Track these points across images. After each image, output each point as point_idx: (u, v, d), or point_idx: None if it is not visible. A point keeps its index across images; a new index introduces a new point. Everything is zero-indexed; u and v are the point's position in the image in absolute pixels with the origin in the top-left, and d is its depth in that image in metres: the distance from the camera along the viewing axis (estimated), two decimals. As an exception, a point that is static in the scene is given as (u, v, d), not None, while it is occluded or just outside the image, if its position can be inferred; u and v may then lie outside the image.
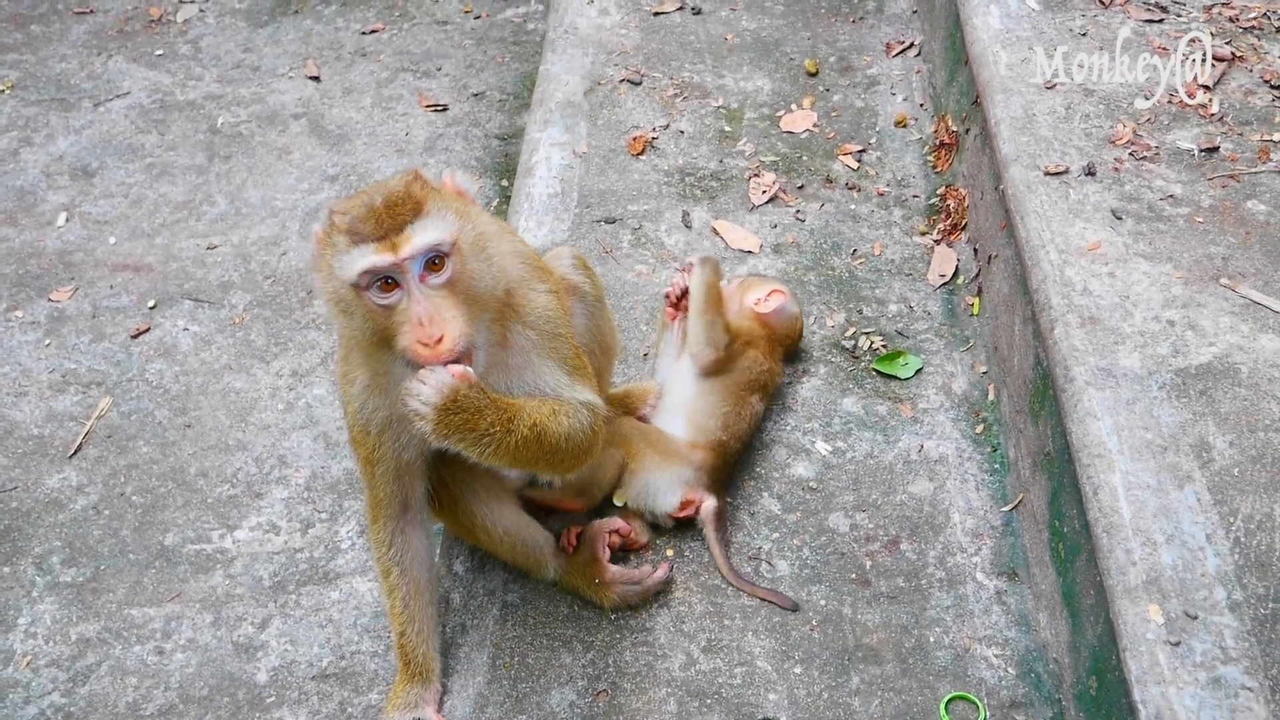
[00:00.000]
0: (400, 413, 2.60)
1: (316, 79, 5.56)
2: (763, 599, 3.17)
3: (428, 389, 2.47)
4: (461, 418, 2.51)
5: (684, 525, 3.34)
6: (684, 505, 3.28)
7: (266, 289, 4.51)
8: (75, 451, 3.96)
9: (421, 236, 2.41)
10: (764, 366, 3.51)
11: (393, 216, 2.42)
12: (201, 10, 6.04)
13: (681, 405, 3.47)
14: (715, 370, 3.48)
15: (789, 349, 3.71)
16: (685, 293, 3.55)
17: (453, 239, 2.44)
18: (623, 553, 3.29)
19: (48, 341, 4.34)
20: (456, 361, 2.48)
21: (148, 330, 4.36)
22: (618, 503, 3.33)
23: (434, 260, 2.44)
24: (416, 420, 2.50)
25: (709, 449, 3.36)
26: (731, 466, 3.43)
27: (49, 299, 4.50)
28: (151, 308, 4.45)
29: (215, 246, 4.70)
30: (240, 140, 5.24)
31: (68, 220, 4.87)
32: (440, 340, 2.44)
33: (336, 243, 2.47)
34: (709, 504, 3.28)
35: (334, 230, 2.48)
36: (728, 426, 3.40)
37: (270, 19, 5.97)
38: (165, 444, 3.97)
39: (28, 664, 3.38)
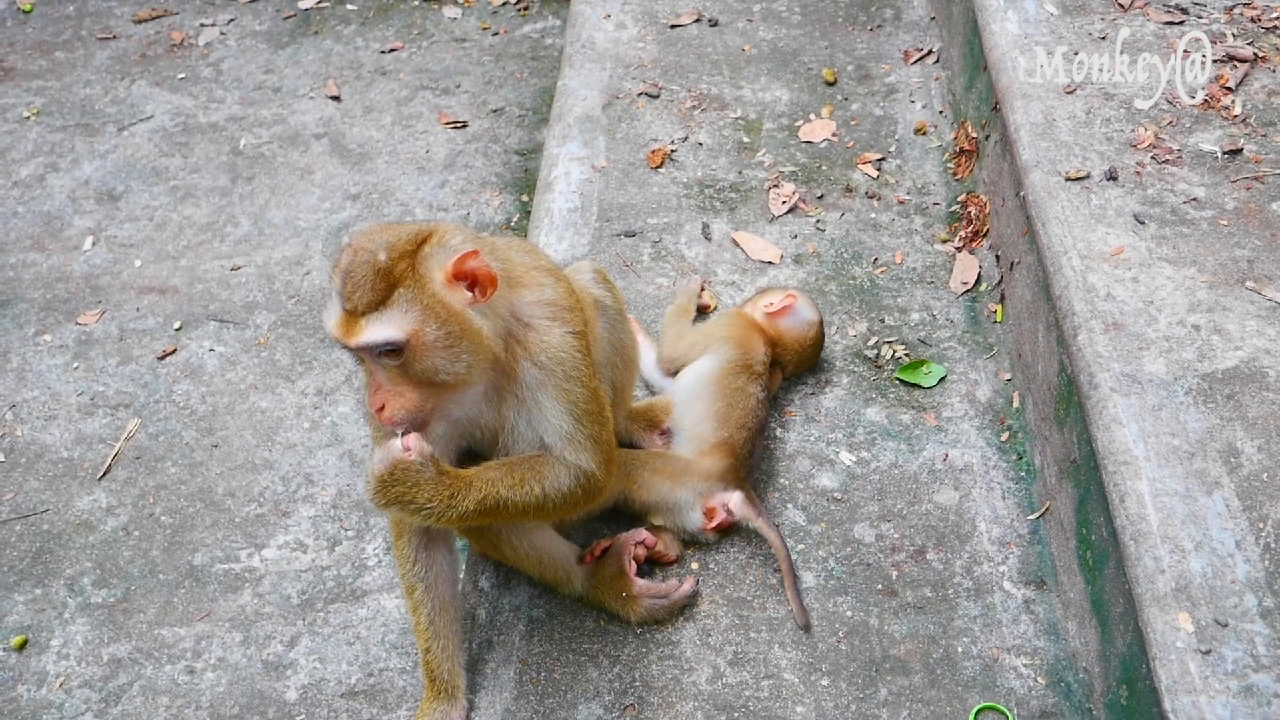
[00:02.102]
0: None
1: (337, 99, 5.60)
2: (791, 598, 3.16)
3: (376, 458, 2.57)
4: (399, 490, 2.59)
5: (719, 535, 3.34)
6: (709, 515, 3.27)
7: (290, 308, 4.53)
8: (104, 473, 3.99)
9: (372, 333, 2.43)
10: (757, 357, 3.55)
11: (361, 295, 2.44)
12: (223, 33, 6.10)
13: (680, 420, 3.49)
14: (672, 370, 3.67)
15: (802, 357, 3.70)
16: None
17: (405, 338, 2.43)
18: (647, 564, 3.28)
19: (76, 365, 4.38)
20: (409, 430, 2.55)
21: (174, 352, 4.40)
22: (655, 521, 3.33)
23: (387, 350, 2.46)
24: (364, 486, 2.62)
25: (715, 451, 3.35)
26: (747, 457, 3.38)
27: (76, 322, 4.55)
28: (177, 329, 4.49)
29: (239, 267, 4.74)
30: (262, 161, 5.28)
31: (94, 244, 4.91)
32: (382, 409, 2.50)
33: (333, 281, 2.52)
34: (735, 499, 3.26)
35: (335, 268, 2.52)
36: (725, 422, 3.39)
37: (290, 40, 6.02)
38: (193, 464, 4.00)
39: (61, 685, 3.41)
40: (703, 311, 3.96)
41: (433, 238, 2.52)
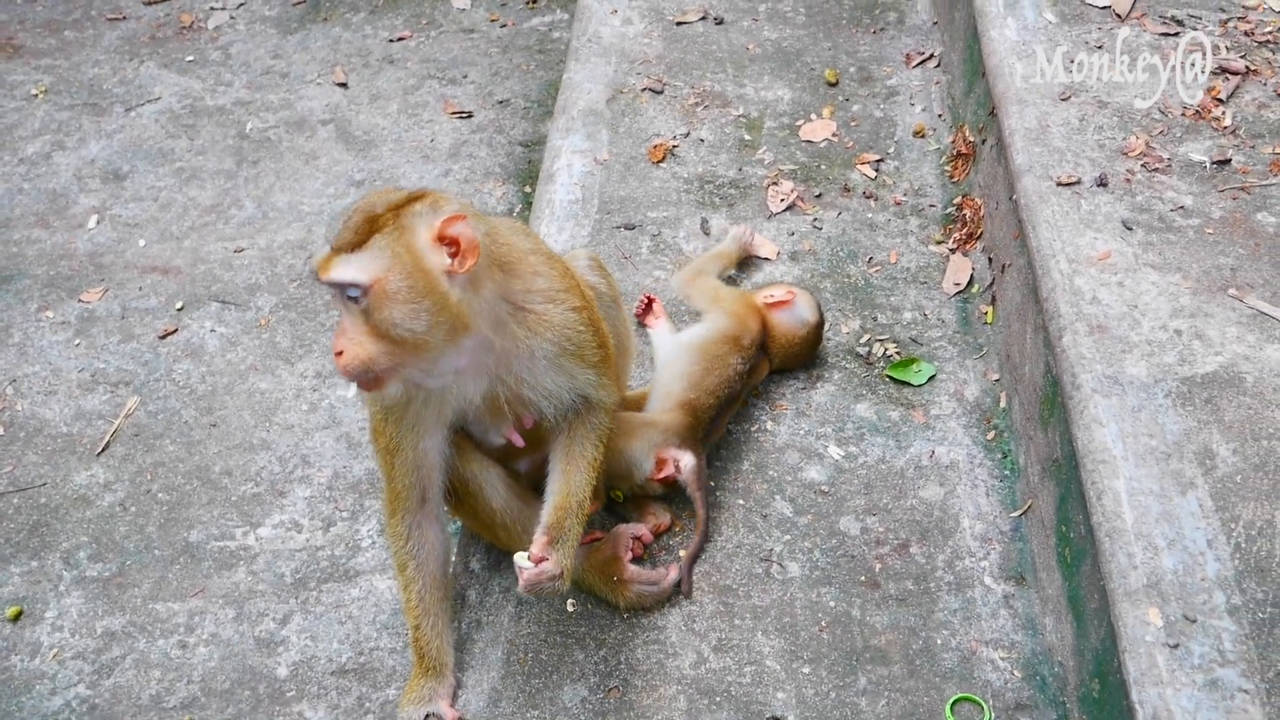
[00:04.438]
0: (424, 396, 2.77)
1: (344, 86, 5.65)
2: (682, 575, 3.24)
3: (549, 586, 2.83)
4: (574, 561, 2.92)
5: (664, 487, 3.41)
6: (659, 465, 3.33)
7: (292, 291, 4.59)
8: (103, 449, 4.04)
9: (340, 270, 2.48)
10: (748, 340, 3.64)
11: (345, 235, 2.51)
12: (232, 17, 6.15)
13: (658, 381, 3.58)
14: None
15: (789, 354, 3.76)
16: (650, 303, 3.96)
17: (368, 283, 2.46)
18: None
19: (77, 341, 4.43)
20: (371, 382, 2.60)
21: (175, 331, 4.45)
22: (617, 498, 3.43)
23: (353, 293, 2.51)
24: (556, 594, 2.93)
25: (678, 409, 3.42)
26: (708, 422, 3.46)
27: (79, 300, 4.60)
28: (179, 309, 4.54)
29: (242, 250, 4.79)
30: (268, 145, 5.33)
31: (98, 223, 4.97)
32: (340, 355, 2.54)
33: (332, 226, 2.60)
34: (687, 461, 3.33)
35: (339, 216, 2.60)
36: (697, 386, 3.46)
37: (300, 26, 6.07)
38: (191, 443, 4.05)
39: (54, 656, 3.46)
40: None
41: (427, 198, 2.57)
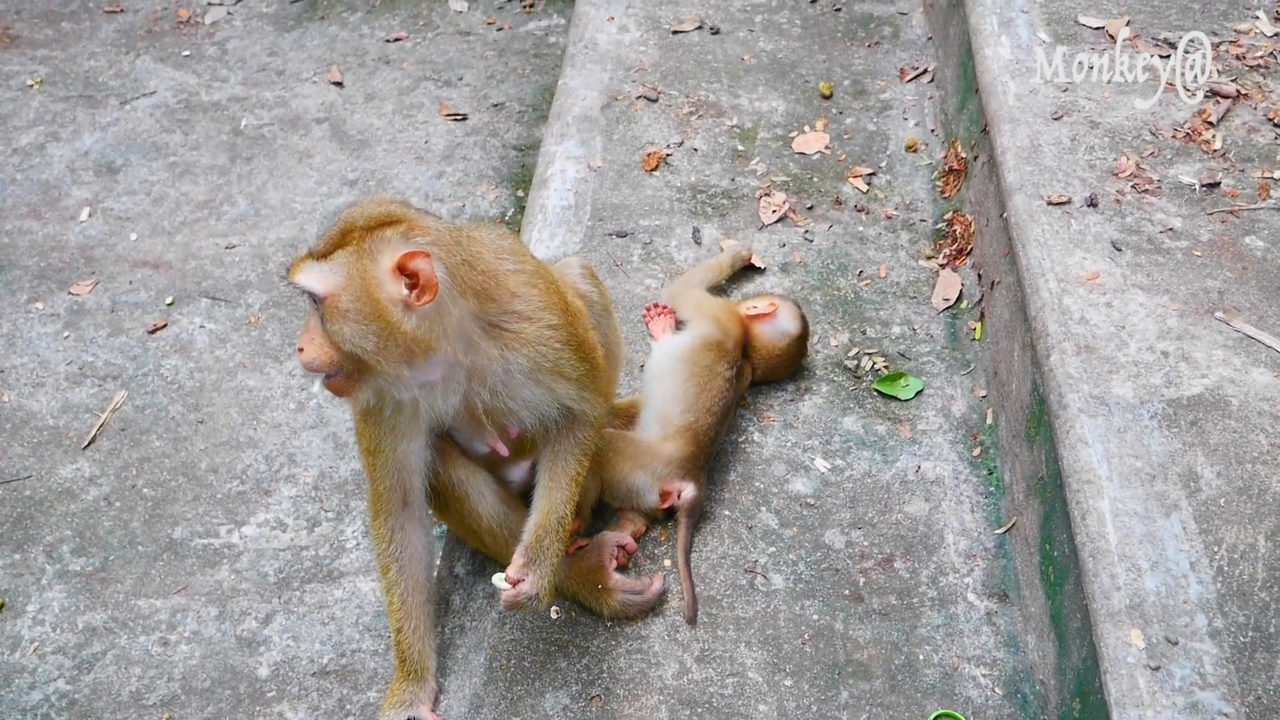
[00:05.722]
0: (397, 402, 2.77)
1: (340, 85, 5.65)
2: (687, 595, 3.23)
3: (527, 605, 2.89)
4: (553, 578, 2.94)
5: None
6: (664, 497, 3.36)
7: (282, 290, 4.59)
8: (89, 443, 4.04)
9: (303, 276, 2.57)
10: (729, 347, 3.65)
11: (320, 244, 2.60)
12: (229, 13, 6.14)
13: (650, 397, 3.57)
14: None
15: (770, 365, 3.76)
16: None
17: (323, 295, 2.54)
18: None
19: (66, 334, 4.42)
20: (337, 385, 2.67)
21: (165, 326, 4.45)
22: (611, 501, 3.45)
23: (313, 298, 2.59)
24: (538, 608, 2.96)
25: (679, 436, 3.43)
26: (709, 444, 3.48)
27: (69, 292, 4.59)
28: (169, 304, 4.54)
29: (234, 246, 4.79)
30: (262, 142, 5.33)
31: (90, 215, 4.96)
32: (301, 351, 2.62)
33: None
34: (688, 492, 3.36)
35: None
36: (693, 406, 3.47)
37: (296, 24, 6.07)
38: (177, 439, 4.05)
39: (35, 650, 3.45)
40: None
41: (402, 224, 2.58)
